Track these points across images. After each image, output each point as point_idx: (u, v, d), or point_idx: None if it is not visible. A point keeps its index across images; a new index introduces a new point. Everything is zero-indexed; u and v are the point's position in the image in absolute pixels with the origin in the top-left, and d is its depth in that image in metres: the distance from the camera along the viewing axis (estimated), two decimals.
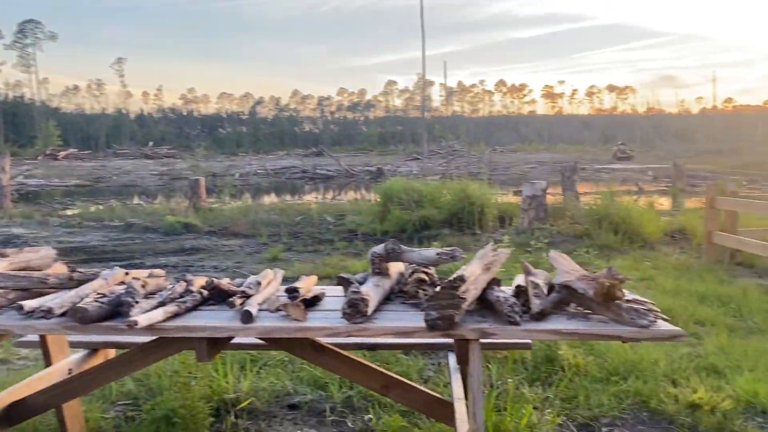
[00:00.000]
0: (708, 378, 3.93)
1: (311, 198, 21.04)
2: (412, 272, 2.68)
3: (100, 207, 17.00)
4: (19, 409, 2.65)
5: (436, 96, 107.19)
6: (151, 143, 67.29)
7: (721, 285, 6.55)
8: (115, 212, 15.05)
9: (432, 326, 2.14)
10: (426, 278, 2.63)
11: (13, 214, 15.10)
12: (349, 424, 3.47)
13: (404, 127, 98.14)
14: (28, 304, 2.27)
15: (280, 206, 16.13)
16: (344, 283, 2.57)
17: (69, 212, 16.07)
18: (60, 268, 2.83)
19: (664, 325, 2.20)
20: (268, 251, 9.61)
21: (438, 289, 2.24)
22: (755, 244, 7.31)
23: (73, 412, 3.04)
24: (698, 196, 16.09)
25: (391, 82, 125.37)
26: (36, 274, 2.54)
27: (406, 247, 2.61)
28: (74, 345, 3.22)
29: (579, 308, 2.40)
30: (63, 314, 2.25)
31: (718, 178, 20.56)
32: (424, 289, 2.56)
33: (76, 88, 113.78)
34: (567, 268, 2.54)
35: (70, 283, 2.53)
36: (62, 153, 53.97)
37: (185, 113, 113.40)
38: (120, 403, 3.76)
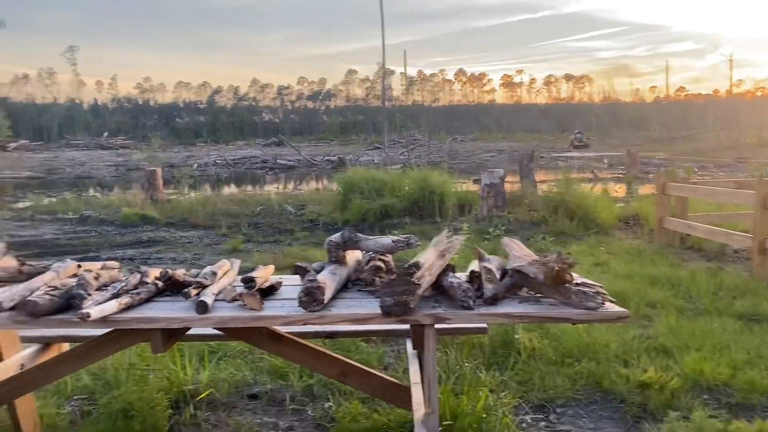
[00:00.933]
0: (657, 358, 4.07)
1: (272, 188, 20.88)
2: (369, 260, 2.70)
3: (53, 200, 16.56)
4: None
5: (397, 85, 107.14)
6: (105, 134, 65.67)
7: (672, 268, 6.77)
8: (69, 205, 14.67)
9: (387, 312, 2.18)
10: (383, 266, 2.66)
11: None
12: (310, 412, 3.49)
13: (365, 117, 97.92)
14: None
15: (240, 197, 15.94)
16: (301, 271, 2.58)
17: (20, 205, 15.61)
18: (9, 262, 2.77)
19: (611, 307, 2.28)
20: (228, 242, 9.52)
21: (393, 276, 2.28)
22: (703, 229, 7.57)
23: (27, 408, 2.99)
24: (651, 183, 16.55)
25: (352, 71, 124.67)
26: None
27: (362, 235, 2.63)
28: (26, 340, 3.16)
29: (531, 292, 2.47)
30: (13, 308, 2.21)
31: (670, 165, 21.15)
32: (380, 277, 2.59)
33: (26, 77, 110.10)
34: (519, 254, 2.61)
35: (20, 276, 2.48)
36: (12, 144, 52.25)
37: (141, 103, 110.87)
38: (76, 397, 3.71)
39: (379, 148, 40.71)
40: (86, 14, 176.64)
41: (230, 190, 20.74)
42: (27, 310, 2.15)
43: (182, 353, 3.88)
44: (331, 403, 3.53)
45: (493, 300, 2.33)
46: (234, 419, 3.38)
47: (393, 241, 2.53)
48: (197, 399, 3.56)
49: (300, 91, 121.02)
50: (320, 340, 3.70)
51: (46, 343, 3.17)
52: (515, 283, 2.44)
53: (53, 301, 2.21)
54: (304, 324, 2.23)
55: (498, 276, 2.48)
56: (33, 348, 3.13)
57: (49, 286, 2.36)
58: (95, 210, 13.55)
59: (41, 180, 25.96)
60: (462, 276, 2.60)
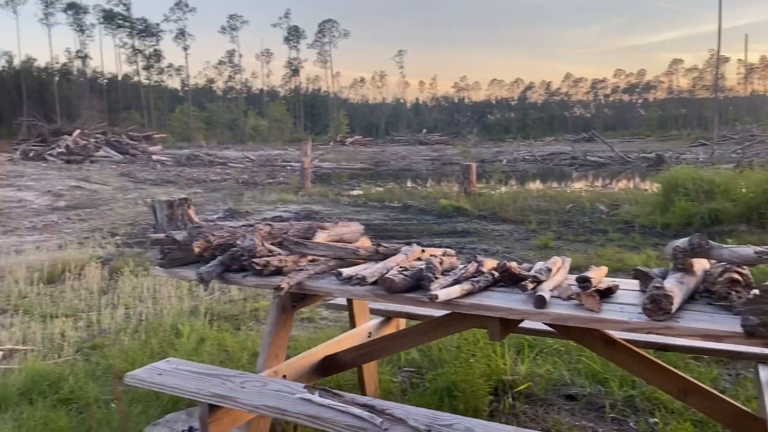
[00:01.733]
0: None
1: (580, 186, 20.27)
2: (723, 271, 2.42)
3: (380, 189, 18.55)
4: (332, 363, 3.04)
5: (732, 74, 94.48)
6: (424, 130, 71.09)
7: None
8: (394, 194, 16.28)
9: (751, 332, 1.92)
10: (740, 279, 2.35)
11: (311, 192, 17.27)
12: (632, 424, 3.30)
13: (689, 110, 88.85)
14: (346, 271, 2.58)
15: (549, 193, 15.83)
16: (642, 276, 2.43)
17: (354, 192, 17.83)
18: (366, 242, 3.16)
19: None
20: (537, 238, 9.52)
21: (758, 291, 1.99)
22: None
23: (371, 372, 3.40)
24: None
25: (677, 61, 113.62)
26: (349, 246, 2.87)
27: (714, 243, 2.37)
28: (372, 312, 3.59)
29: None
30: (373, 283, 2.51)
31: None
32: (737, 291, 2.29)
33: (362, 80, 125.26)
34: None
35: (376, 255, 2.80)
36: (349, 139, 59.92)
37: (456, 101, 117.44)
38: (405, 369, 4.09)
39: (705, 144, 36.63)
40: (415, 22, 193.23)
41: (537, 186, 20.73)
42: (385, 286, 2.42)
43: (502, 343, 3.99)
44: (656, 419, 3.28)
45: None
46: (552, 417, 3.37)
47: (756, 253, 2.22)
48: (515, 390, 3.63)
49: (615, 84, 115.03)
50: (649, 350, 3.46)
51: (388, 317, 3.55)
52: None
53: (406, 281, 2.45)
54: (647, 333, 2.09)
55: None
56: (377, 320, 3.53)
57: (401, 267, 2.62)
58: (415, 200, 14.80)
59: (371, 171, 29.26)
60: None
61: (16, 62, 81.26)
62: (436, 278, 2.42)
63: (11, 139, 40.97)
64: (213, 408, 2.44)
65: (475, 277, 2.53)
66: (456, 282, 2.47)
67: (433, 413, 2.20)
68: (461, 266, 2.70)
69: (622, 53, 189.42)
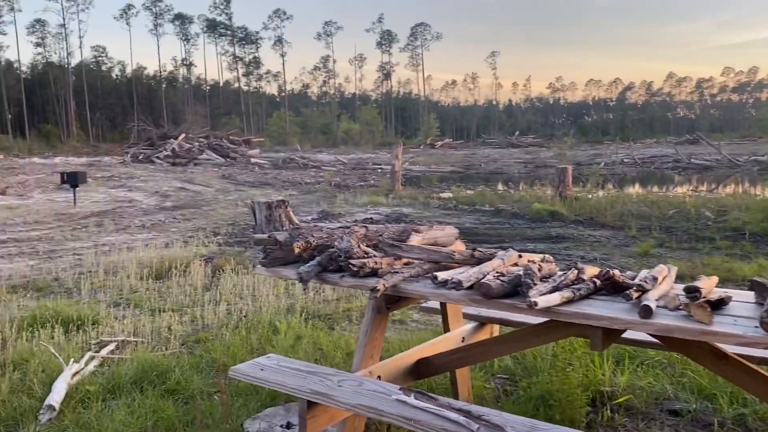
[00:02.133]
0: None
1: (684, 190, 19.26)
2: None
3: (471, 192, 18.40)
4: (425, 366, 3.05)
5: None
6: (517, 132, 69.89)
7: None
8: (486, 197, 16.10)
9: None
10: None
11: (402, 195, 17.39)
12: None
13: None
14: (441, 275, 2.58)
15: (650, 198, 15.15)
16: (759, 288, 2.28)
17: (445, 195, 17.77)
18: (461, 246, 3.15)
19: None
20: (638, 245, 9.13)
21: None
22: None
23: (464, 377, 3.38)
24: None
25: None
26: (444, 249, 2.87)
27: None
28: (464, 316, 3.56)
29: None
30: (469, 287, 2.50)
31: None
32: None
33: (453, 82, 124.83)
34: None
35: (472, 260, 2.79)
36: (439, 142, 59.89)
37: (551, 102, 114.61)
38: (498, 376, 4.03)
39: None
40: (508, 21, 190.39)
41: (637, 190, 19.86)
42: (482, 291, 2.40)
43: (600, 353, 3.86)
44: None
45: None
46: None
47: None
48: (614, 402, 3.50)
49: (723, 83, 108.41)
50: (764, 366, 3.24)
51: (482, 322, 3.52)
52: None
53: (503, 286, 2.42)
54: (766, 348, 1.96)
55: None
56: (471, 325, 3.51)
57: (497, 272, 2.59)
58: (507, 203, 14.57)
59: (461, 174, 29.08)
60: None
61: (128, 71, 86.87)
62: (535, 285, 2.38)
63: (123, 143, 43.81)
64: (311, 405, 2.51)
65: (575, 284, 2.47)
66: (555, 289, 2.41)
67: (531, 422, 2.17)
68: (560, 273, 2.64)
69: (731, 50, 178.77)
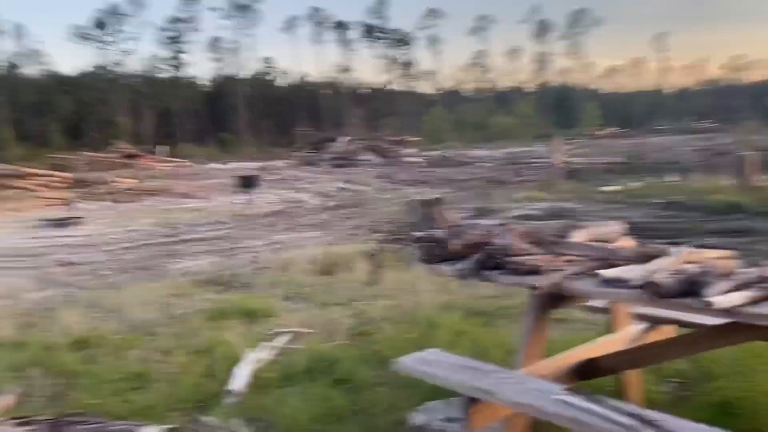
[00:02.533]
0: None
1: None
2: None
3: (639, 184, 17.28)
4: (590, 367, 2.94)
5: None
6: (692, 118, 64.39)
7: None
8: (656, 189, 15.06)
9: None
10: None
11: (561, 189, 16.79)
12: None
13: None
14: (606, 273, 2.48)
15: None
16: None
17: (609, 188, 16.86)
18: (627, 242, 3.00)
19: None
20: None
21: None
22: None
23: (633, 380, 3.21)
24: None
25: None
26: (609, 246, 2.75)
27: None
28: (633, 317, 3.38)
29: None
30: (638, 286, 2.37)
31: None
32: None
33: (616, 68, 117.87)
34: None
35: (641, 257, 2.64)
36: (602, 132, 56.90)
37: (730, 83, 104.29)
38: (671, 380, 3.77)
39: None
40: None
41: None
42: (652, 290, 2.27)
43: None
44: None
45: None
46: None
47: None
48: None
49: None
50: None
51: (652, 323, 3.31)
52: None
53: (676, 285, 2.27)
54: None
55: None
56: (640, 325, 3.32)
57: (669, 270, 2.43)
58: (680, 195, 13.51)
59: (628, 165, 27.37)
60: None
61: (293, 78, 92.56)
62: (713, 283, 2.21)
63: (290, 148, 46.81)
64: (473, 401, 2.54)
65: (762, 283, 2.26)
66: (737, 288, 2.23)
67: (712, 431, 2.01)
68: (743, 271, 2.43)
69: None
